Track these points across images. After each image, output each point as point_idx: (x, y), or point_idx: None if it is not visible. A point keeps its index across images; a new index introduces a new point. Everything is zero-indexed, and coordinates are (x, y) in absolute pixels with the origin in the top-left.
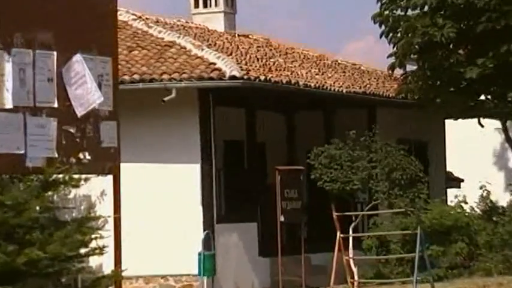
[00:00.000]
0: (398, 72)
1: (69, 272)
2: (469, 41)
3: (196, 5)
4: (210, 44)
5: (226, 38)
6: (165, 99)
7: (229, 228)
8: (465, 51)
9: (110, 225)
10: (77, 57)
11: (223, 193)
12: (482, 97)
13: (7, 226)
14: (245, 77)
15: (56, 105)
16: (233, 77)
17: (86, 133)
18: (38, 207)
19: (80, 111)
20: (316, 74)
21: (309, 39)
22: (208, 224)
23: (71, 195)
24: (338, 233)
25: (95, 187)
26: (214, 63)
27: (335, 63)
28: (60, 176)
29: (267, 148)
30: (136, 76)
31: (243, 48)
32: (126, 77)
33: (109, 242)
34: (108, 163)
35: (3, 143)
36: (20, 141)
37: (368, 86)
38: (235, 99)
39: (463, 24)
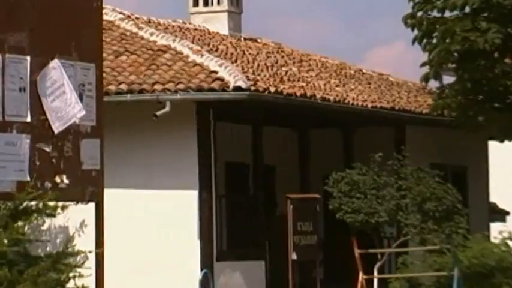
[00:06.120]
0: (433, 84)
1: None
2: None
3: (196, 3)
4: (211, 49)
5: (231, 42)
6: (158, 113)
7: (232, 267)
8: None
9: (91, 262)
10: (54, 63)
11: (225, 225)
12: None
13: None
14: (252, 88)
15: (28, 119)
16: (238, 88)
17: (63, 152)
18: (6, 240)
19: (57, 127)
20: (336, 86)
21: (327, 45)
22: (207, 262)
23: (45, 226)
24: (360, 274)
25: (74, 217)
26: (216, 72)
27: (358, 73)
28: (33, 203)
29: (276, 172)
30: (123, 86)
31: (250, 54)
32: (112, 87)
33: (90, 281)
34: (89, 188)
35: None
36: None
37: (397, 100)
38: (240, 115)
39: (510, 29)
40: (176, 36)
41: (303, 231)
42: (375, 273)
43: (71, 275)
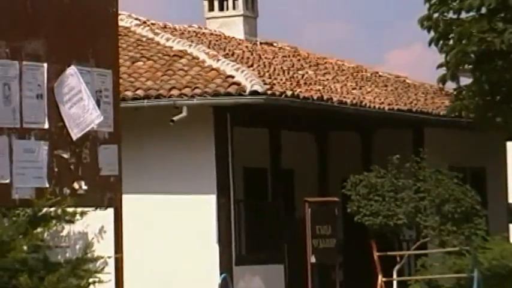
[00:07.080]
0: (450, 86)
1: None
2: None
3: (211, 8)
4: (227, 54)
5: (246, 47)
6: (175, 118)
7: (251, 271)
8: None
9: (111, 268)
10: (72, 70)
11: (244, 229)
12: None
13: None
14: (269, 92)
15: (46, 126)
16: (255, 93)
17: (82, 159)
18: (25, 247)
19: (75, 133)
20: (353, 89)
21: (344, 48)
22: (226, 266)
23: (65, 232)
24: (380, 277)
25: (93, 222)
26: (232, 76)
27: (375, 76)
28: (52, 209)
29: (294, 176)
30: (140, 92)
31: (266, 58)
32: (129, 93)
33: (110, 287)
34: (108, 194)
35: None
36: (4, 168)
37: (414, 102)
38: (257, 119)
39: None
40: (192, 41)
41: (322, 235)
42: (394, 276)
43: (90, 280)
